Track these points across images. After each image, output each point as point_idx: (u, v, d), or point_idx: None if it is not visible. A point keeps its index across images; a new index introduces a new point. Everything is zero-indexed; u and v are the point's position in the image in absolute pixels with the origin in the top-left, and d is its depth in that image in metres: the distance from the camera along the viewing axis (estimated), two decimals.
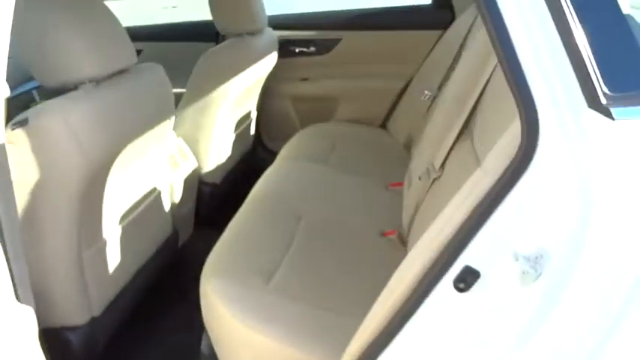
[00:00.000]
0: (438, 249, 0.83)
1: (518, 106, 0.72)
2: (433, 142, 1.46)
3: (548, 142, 0.70)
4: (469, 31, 2.00)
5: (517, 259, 0.74)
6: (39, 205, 1.13)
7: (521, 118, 0.72)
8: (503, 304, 0.78)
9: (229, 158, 2.13)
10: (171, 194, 1.75)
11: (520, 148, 0.73)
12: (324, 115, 2.48)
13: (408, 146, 2.21)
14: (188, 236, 1.97)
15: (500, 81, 1.20)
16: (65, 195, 1.14)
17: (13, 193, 0.96)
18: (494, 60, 1.23)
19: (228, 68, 1.85)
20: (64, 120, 1.08)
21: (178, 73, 1.90)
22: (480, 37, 1.42)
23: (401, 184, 1.85)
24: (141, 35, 2.57)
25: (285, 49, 2.38)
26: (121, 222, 1.40)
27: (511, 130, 0.80)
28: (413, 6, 2.40)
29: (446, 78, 2.08)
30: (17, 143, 1.05)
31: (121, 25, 1.26)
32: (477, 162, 1.14)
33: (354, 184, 1.82)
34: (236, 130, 2.14)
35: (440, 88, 2.09)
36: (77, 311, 1.27)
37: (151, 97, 1.37)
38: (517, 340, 0.76)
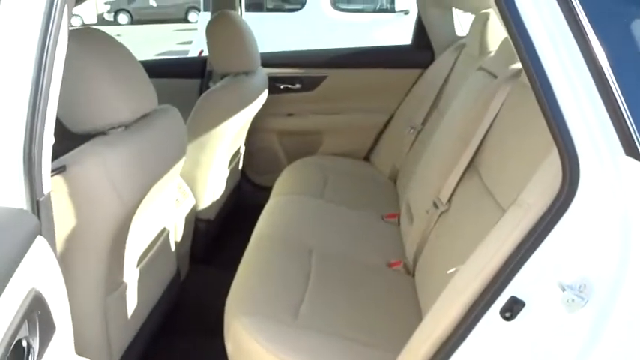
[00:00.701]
0: (485, 281, 0.91)
1: (559, 150, 0.81)
2: (435, 176, 1.55)
3: (588, 183, 0.79)
4: (451, 70, 2.15)
5: (563, 289, 0.82)
6: (71, 251, 1.12)
7: (562, 161, 0.81)
8: (549, 331, 0.86)
9: (222, 194, 2.15)
10: (174, 233, 1.75)
11: (562, 187, 0.82)
12: (309, 150, 2.55)
13: (393, 178, 2.32)
14: (185, 274, 1.96)
15: (505, 122, 1.32)
16: (98, 240, 1.14)
17: (55, 244, 0.97)
18: (498, 102, 1.35)
19: (226, 107, 1.89)
20: (103, 165, 1.09)
21: None
22: (480, 79, 1.55)
23: (395, 215, 1.94)
24: None
25: (271, 85, 2.43)
26: (138, 264, 1.39)
27: (546, 167, 0.90)
28: (394, 46, 2.54)
29: (429, 114, 2.21)
30: (55, 191, 1.05)
31: (143, 69, 1.29)
32: (490, 196, 1.24)
33: (352, 217, 1.88)
34: (229, 165, 2.17)
35: (424, 123, 2.22)
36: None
37: (171, 138, 1.40)
38: None
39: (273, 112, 2.49)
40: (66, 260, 1.12)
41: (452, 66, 2.16)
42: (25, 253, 0.68)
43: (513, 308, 0.87)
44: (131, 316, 1.37)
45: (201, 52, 3.96)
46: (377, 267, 1.59)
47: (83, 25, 15.34)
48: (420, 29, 2.42)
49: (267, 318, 1.23)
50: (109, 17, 17.23)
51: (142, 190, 1.21)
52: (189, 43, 6.24)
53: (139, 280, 1.40)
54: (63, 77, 1.11)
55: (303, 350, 1.16)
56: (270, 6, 6.41)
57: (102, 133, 1.19)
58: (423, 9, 2.39)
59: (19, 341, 0.63)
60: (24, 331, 0.64)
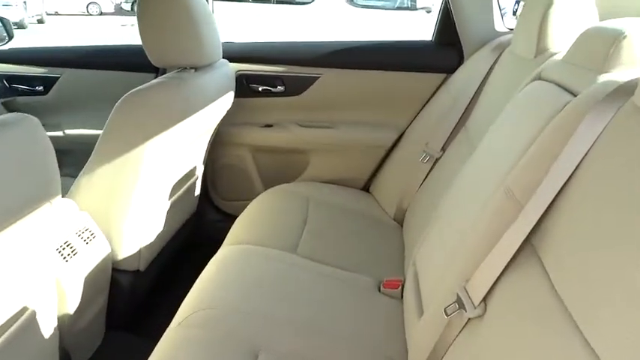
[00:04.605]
0: None
1: None
2: (463, 254, 0.94)
3: None
4: (486, 76, 1.55)
5: None
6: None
7: None
8: None
9: (160, 234, 1.56)
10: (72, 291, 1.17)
11: None
12: (292, 173, 1.99)
13: (399, 219, 1.72)
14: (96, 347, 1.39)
15: (594, 175, 0.71)
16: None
17: None
18: (583, 138, 0.74)
19: (157, 114, 1.30)
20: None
21: (102, 112, 1.42)
22: (543, 96, 0.94)
23: (397, 284, 1.34)
24: (61, 58, 2.01)
25: (245, 86, 1.87)
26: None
27: None
28: (410, 41, 1.91)
29: (452, 136, 1.62)
30: None
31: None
32: (563, 308, 0.63)
33: (333, 285, 1.29)
34: (172, 196, 1.58)
35: (444, 148, 1.63)
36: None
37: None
38: None
39: (247, 121, 1.93)
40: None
41: (487, 72, 1.56)
42: None
43: None
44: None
45: None
46: None
47: (101, 14, 15.72)
48: (446, 20, 1.81)
49: None
50: (127, 7, 17.14)
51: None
52: None
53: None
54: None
55: None
56: None
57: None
58: None
59: None
60: None
